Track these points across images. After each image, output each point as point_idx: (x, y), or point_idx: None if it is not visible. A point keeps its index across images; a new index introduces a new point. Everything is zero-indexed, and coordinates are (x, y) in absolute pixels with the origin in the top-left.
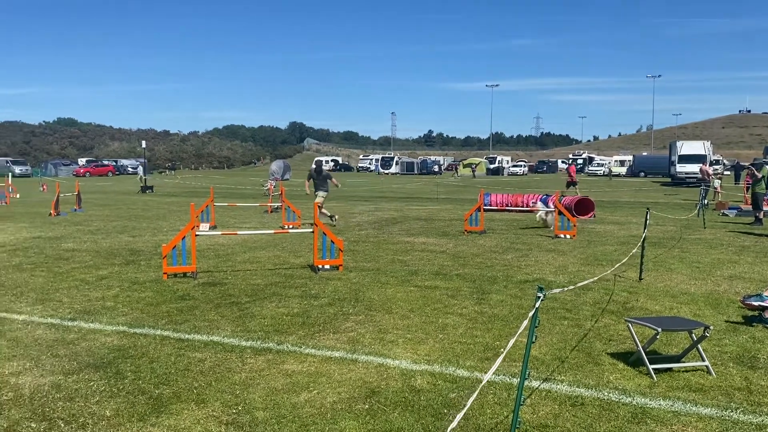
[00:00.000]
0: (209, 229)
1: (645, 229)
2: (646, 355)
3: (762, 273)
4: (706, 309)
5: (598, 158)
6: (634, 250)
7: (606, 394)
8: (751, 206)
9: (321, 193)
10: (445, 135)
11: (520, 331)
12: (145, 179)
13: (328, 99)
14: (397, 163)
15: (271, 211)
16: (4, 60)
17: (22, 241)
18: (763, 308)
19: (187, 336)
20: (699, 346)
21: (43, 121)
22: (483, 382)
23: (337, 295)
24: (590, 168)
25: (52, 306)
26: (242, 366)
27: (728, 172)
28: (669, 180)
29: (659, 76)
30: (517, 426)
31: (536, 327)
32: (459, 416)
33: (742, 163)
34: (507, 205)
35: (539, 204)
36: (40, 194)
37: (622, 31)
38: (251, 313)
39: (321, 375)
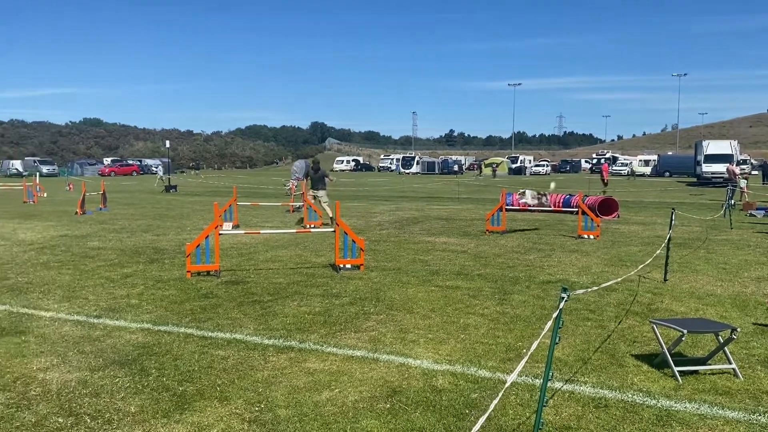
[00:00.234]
0: (232, 228)
1: (670, 229)
2: (671, 357)
3: None
4: (733, 311)
5: (622, 158)
6: (658, 251)
7: (630, 396)
8: None
9: (322, 193)
10: (466, 134)
11: (544, 332)
12: (169, 178)
13: (350, 99)
14: (418, 163)
15: (293, 211)
16: (33, 61)
17: (49, 239)
18: None
19: (210, 334)
20: (726, 348)
21: (70, 122)
22: (507, 384)
23: (358, 295)
24: (614, 168)
25: (79, 303)
26: (265, 364)
27: (756, 172)
28: (695, 180)
29: (685, 74)
30: (540, 427)
31: (560, 328)
32: (482, 419)
33: None
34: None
35: (527, 194)
36: (66, 193)
37: (647, 28)
38: (273, 311)
39: (342, 374)
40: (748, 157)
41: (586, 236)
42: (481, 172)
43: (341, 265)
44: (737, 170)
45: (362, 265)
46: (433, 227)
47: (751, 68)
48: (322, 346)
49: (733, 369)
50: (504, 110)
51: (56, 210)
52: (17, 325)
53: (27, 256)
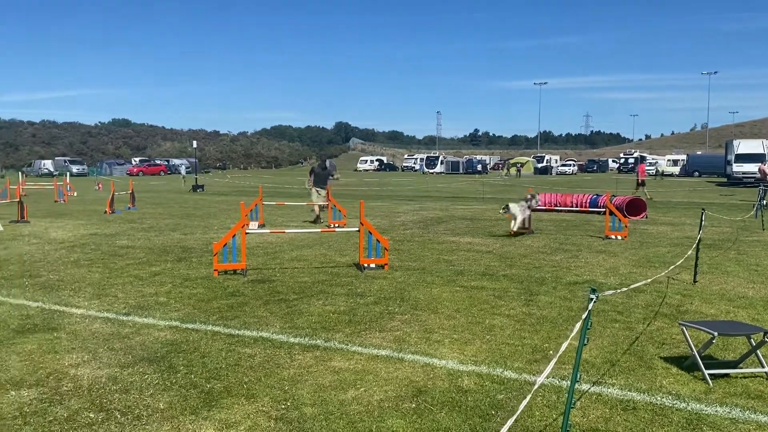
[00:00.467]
0: (258, 227)
1: (700, 230)
2: (701, 359)
3: None
4: (765, 313)
5: (650, 157)
6: (689, 252)
7: (659, 398)
8: None
9: (323, 192)
10: (491, 134)
11: (573, 333)
12: (196, 178)
13: (374, 99)
14: (442, 163)
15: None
16: (64, 63)
17: (79, 237)
18: None
19: (237, 332)
20: (758, 351)
21: (99, 122)
22: (536, 386)
23: (382, 294)
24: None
25: (108, 301)
26: (291, 362)
27: None
28: (725, 180)
29: (715, 72)
30: (568, 429)
31: (588, 329)
32: (511, 420)
33: None
34: (556, 205)
35: (511, 207)
36: (95, 193)
37: (676, 26)
38: (299, 310)
39: (368, 373)
40: None
41: (613, 237)
42: (508, 170)
43: (366, 265)
44: None
45: (386, 264)
46: (457, 227)
47: None
48: (347, 345)
49: (766, 373)
50: (530, 109)
51: (86, 209)
52: (49, 322)
53: (58, 255)
